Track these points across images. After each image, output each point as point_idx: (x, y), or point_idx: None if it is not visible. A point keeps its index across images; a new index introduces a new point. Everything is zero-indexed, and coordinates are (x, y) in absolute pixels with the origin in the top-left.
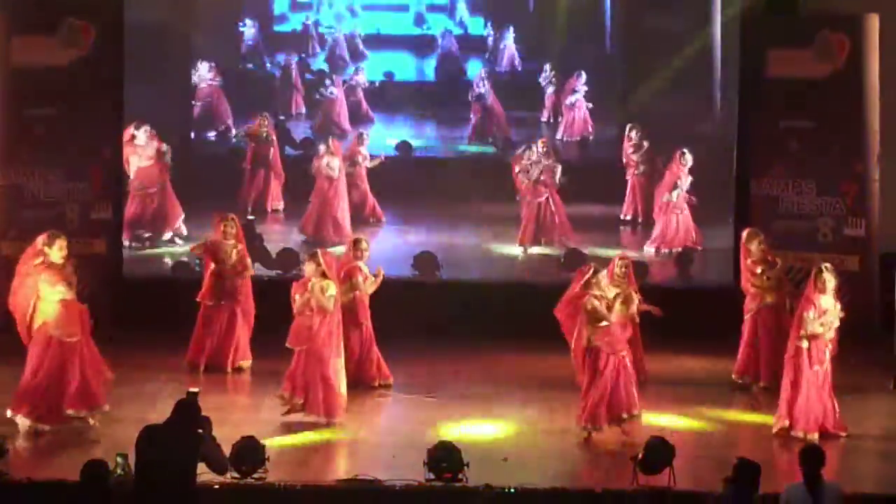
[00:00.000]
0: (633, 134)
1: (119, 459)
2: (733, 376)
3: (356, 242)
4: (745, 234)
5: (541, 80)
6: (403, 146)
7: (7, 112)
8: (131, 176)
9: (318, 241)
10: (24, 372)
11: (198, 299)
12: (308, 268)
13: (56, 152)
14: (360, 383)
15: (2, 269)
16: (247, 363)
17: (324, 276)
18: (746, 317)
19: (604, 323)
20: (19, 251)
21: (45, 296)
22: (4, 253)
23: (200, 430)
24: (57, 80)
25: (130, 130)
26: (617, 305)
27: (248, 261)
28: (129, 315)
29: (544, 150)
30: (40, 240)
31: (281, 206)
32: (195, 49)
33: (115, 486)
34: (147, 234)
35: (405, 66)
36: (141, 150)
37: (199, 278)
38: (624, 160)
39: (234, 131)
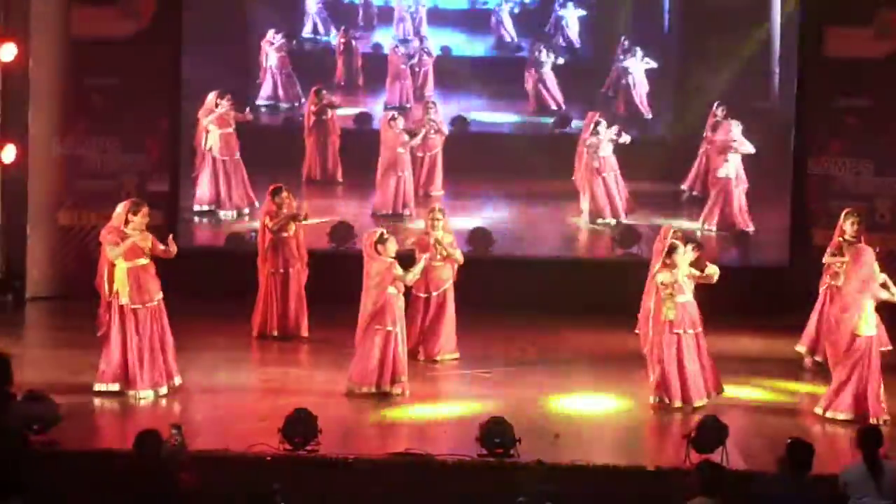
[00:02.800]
0: (720, 111)
1: (173, 430)
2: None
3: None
4: (844, 212)
5: (618, 52)
6: (459, 121)
7: (67, 82)
8: (208, 145)
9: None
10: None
11: (260, 265)
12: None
13: (114, 123)
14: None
15: (59, 238)
16: (303, 333)
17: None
18: (820, 290)
19: (679, 298)
20: (76, 221)
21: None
22: (61, 223)
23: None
24: (116, 51)
25: (212, 99)
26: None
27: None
28: (183, 285)
29: (610, 126)
30: (123, 207)
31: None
32: (253, 21)
33: (168, 457)
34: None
35: (461, 41)
36: (221, 120)
37: (252, 249)
38: (705, 135)
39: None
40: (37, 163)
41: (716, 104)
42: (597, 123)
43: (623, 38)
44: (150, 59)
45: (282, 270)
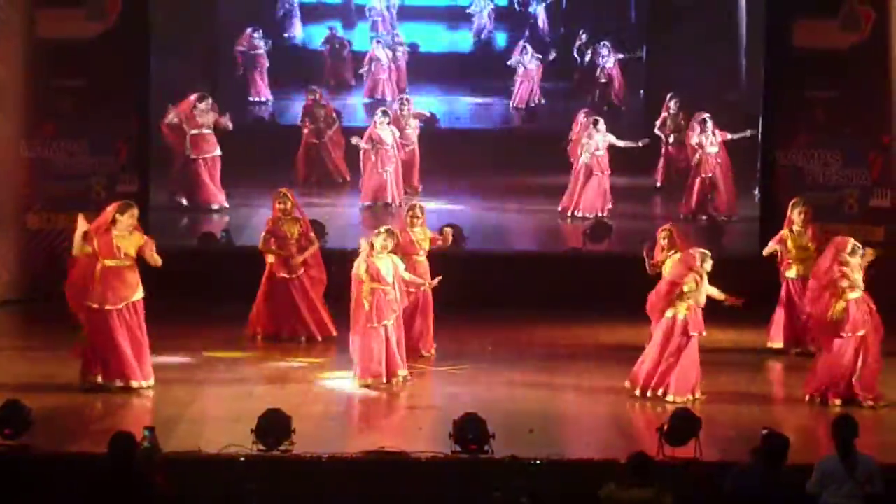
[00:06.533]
0: (672, 104)
1: (146, 432)
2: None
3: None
4: (791, 202)
5: (576, 48)
6: (429, 118)
7: (33, 84)
8: (188, 144)
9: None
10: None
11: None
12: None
13: (82, 125)
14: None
15: (28, 241)
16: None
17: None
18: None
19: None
20: (45, 224)
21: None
22: (30, 226)
23: None
24: (83, 52)
25: (192, 100)
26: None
27: (312, 234)
28: (156, 286)
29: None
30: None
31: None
32: (221, 21)
33: (141, 459)
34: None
35: (432, 38)
36: (200, 120)
37: (223, 250)
38: (658, 129)
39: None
40: (4, 166)
41: (668, 96)
42: (596, 122)
43: (581, 31)
44: (117, 60)
45: (280, 276)
